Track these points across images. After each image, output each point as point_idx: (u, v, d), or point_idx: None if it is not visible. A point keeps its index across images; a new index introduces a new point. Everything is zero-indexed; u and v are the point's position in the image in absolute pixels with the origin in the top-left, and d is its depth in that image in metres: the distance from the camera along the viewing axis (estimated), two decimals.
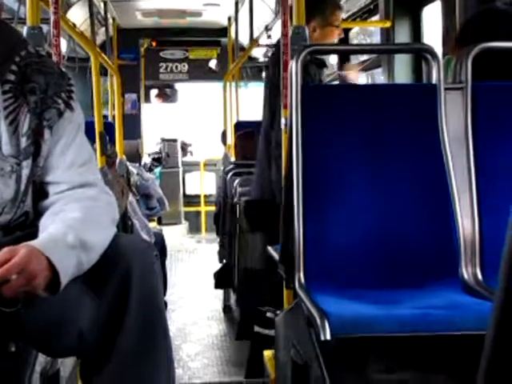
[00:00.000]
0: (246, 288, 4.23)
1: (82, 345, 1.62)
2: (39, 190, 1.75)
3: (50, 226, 1.62)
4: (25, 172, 1.70)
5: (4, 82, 1.69)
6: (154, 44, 10.12)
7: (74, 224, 1.62)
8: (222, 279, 5.26)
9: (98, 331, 1.61)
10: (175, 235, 8.99)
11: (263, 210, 2.71)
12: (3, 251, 1.50)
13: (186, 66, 10.36)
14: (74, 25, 5.66)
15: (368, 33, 6.23)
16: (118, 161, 5.58)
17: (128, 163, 5.92)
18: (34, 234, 1.62)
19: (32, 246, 1.53)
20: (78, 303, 1.62)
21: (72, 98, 1.77)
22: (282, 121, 2.67)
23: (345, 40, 5.46)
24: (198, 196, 10.16)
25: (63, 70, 1.83)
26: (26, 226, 1.75)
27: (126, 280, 1.61)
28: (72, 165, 1.74)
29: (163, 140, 10.15)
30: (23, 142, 1.69)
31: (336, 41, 3.41)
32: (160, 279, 1.71)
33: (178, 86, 10.91)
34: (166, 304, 5.33)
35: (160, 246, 5.31)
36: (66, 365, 2.25)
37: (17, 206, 1.72)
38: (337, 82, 5.61)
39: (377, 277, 2.19)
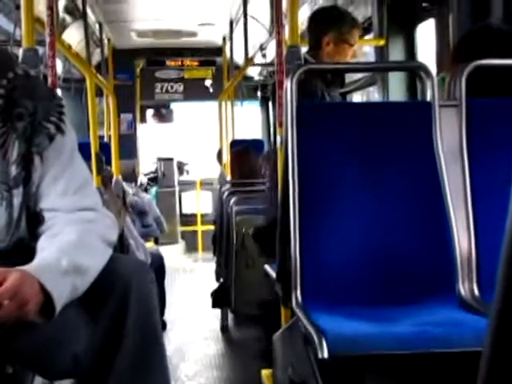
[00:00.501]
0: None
1: (77, 367, 1.61)
2: (35, 216, 1.72)
3: (44, 250, 1.60)
4: (16, 200, 1.67)
5: None
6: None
7: (69, 248, 1.59)
8: (219, 299, 5.25)
9: (93, 354, 1.60)
10: (172, 255, 8.97)
11: (272, 234, 2.70)
12: None
13: (182, 86, 10.40)
14: (70, 46, 5.68)
15: (363, 53, 6.25)
16: (113, 181, 5.59)
17: (124, 183, 5.93)
18: (30, 259, 1.58)
19: (24, 270, 1.49)
20: (72, 326, 1.60)
21: (63, 121, 1.71)
22: (278, 139, 2.69)
23: None
24: (194, 215, 10.16)
25: (54, 91, 1.78)
26: (21, 252, 1.72)
27: (124, 301, 1.60)
28: (66, 192, 1.70)
29: (159, 159, 10.16)
30: (13, 169, 1.65)
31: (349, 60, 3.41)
32: (157, 300, 1.71)
33: (173, 105, 10.94)
34: (164, 324, 5.32)
35: (159, 266, 5.30)
36: None
37: (11, 233, 1.69)
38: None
39: (374, 294, 2.18)
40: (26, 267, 1.52)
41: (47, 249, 1.60)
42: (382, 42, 4.63)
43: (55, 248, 1.59)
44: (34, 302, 1.47)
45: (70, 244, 1.61)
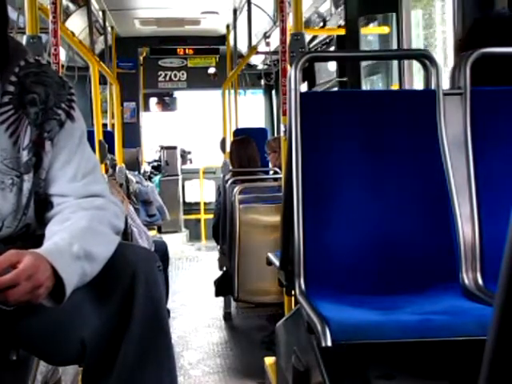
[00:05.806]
0: None
1: (84, 353, 1.62)
2: (43, 201, 1.73)
3: (56, 235, 1.60)
4: (26, 185, 1.68)
5: (3, 94, 1.66)
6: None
7: (80, 234, 1.60)
8: (222, 287, 5.27)
9: (100, 340, 1.61)
10: (175, 243, 8.99)
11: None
12: (10, 253, 1.48)
13: (185, 74, 10.39)
14: (73, 34, 5.67)
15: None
16: (117, 169, 5.59)
17: (127, 171, 5.93)
18: (36, 244, 1.59)
19: (38, 252, 1.51)
20: (80, 312, 1.61)
21: (73, 108, 1.74)
22: (282, 128, 2.68)
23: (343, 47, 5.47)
24: (197, 204, 10.18)
25: (64, 79, 1.80)
26: (27, 237, 1.73)
27: (131, 289, 1.61)
28: (75, 176, 1.72)
29: (162, 148, 10.17)
30: (24, 155, 1.67)
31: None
32: (163, 288, 1.72)
33: (176, 93, 10.93)
34: (168, 312, 5.34)
35: (162, 254, 5.32)
36: (68, 373, 2.25)
37: (18, 219, 1.70)
38: (336, 89, 5.61)
39: (377, 282, 2.19)
40: (38, 250, 1.53)
41: (58, 233, 1.61)
42: (386, 31, 4.62)
43: (67, 233, 1.60)
44: (46, 285, 1.48)
45: (81, 230, 1.61)
